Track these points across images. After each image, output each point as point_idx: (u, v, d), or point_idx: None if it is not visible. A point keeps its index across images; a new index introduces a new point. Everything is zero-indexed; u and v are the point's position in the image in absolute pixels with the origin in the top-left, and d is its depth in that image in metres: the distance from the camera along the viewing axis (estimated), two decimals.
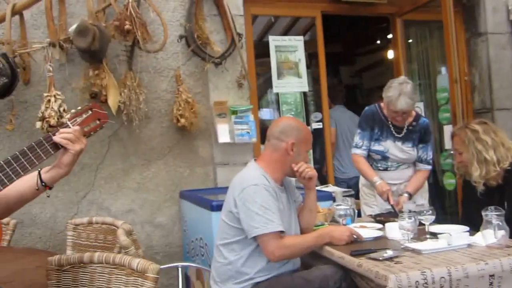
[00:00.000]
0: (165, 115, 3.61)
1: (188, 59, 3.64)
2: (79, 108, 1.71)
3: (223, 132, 3.56)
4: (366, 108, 3.24)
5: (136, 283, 1.56)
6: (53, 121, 2.95)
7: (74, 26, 3.08)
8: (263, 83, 5.21)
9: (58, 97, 3.02)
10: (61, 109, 3.01)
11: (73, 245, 2.69)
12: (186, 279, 3.26)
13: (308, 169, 2.28)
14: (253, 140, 3.64)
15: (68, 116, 1.68)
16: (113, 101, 3.23)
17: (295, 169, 2.26)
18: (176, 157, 3.66)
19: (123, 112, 3.30)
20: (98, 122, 1.71)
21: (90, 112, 1.69)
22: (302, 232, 2.36)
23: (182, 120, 3.43)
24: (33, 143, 1.55)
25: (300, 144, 2.27)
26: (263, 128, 3.90)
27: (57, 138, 1.57)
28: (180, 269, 2.46)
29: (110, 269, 1.63)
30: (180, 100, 3.45)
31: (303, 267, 2.30)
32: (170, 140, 3.64)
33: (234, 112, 3.61)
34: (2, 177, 1.47)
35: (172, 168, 3.66)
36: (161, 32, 3.41)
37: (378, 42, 6.98)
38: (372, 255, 1.99)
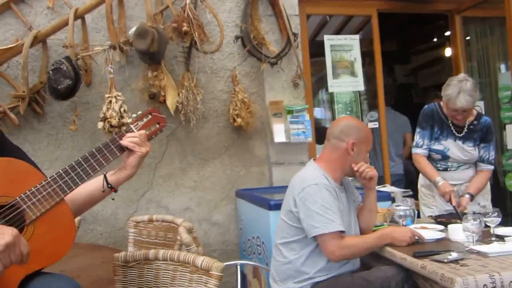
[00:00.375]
0: (222, 115, 3.64)
1: (244, 60, 3.67)
2: (140, 112, 1.76)
3: (279, 132, 3.56)
4: (425, 106, 3.16)
5: (200, 280, 1.58)
6: (114, 121, 3.03)
7: (133, 29, 3.17)
8: (315, 83, 5.17)
9: (118, 98, 3.10)
10: (122, 109, 3.08)
11: (135, 242, 2.75)
12: (242, 277, 3.28)
13: (369, 169, 2.24)
14: (308, 140, 3.62)
15: (130, 120, 1.74)
16: (171, 101, 3.30)
17: (355, 169, 2.23)
18: (232, 156, 3.69)
19: (181, 112, 3.36)
20: (157, 126, 1.77)
21: (150, 116, 1.75)
22: (361, 232, 2.32)
23: (239, 120, 3.46)
24: (100, 146, 1.61)
25: (361, 144, 2.24)
26: (315, 128, 3.88)
27: (124, 142, 1.63)
28: (238, 267, 2.47)
29: (174, 266, 1.65)
30: (236, 100, 3.48)
31: (362, 268, 2.27)
32: (226, 140, 3.68)
33: (290, 112, 3.60)
34: (74, 177, 1.53)
35: (228, 167, 3.69)
36: (217, 33, 3.45)
37: (435, 39, 6.76)
38: (436, 257, 1.93)
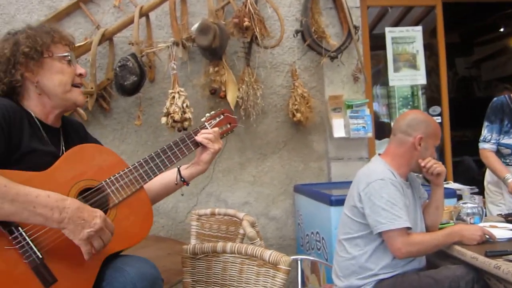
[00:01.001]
0: (281, 110, 3.65)
1: (303, 54, 3.65)
2: (213, 112, 1.84)
3: (338, 127, 3.53)
4: (494, 99, 3.03)
5: (268, 274, 1.59)
6: (177, 117, 3.09)
7: (196, 25, 3.22)
8: (372, 77, 5.06)
9: (181, 93, 3.16)
10: (184, 105, 3.15)
11: (197, 235, 2.81)
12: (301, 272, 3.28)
13: (436, 164, 2.18)
14: (369, 135, 3.57)
15: (204, 118, 1.81)
16: (231, 96, 3.33)
17: (423, 164, 2.17)
18: (290, 151, 3.69)
19: (241, 107, 3.40)
20: (229, 126, 1.85)
21: (222, 116, 1.83)
22: (427, 230, 2.26)
23: (298, 115, 3.45)
24: (177, 139, 1.70)
25: (428, 139, 2.18)
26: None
27: (199, 137, 1.71)
28: (299, 261, 2.47)
29: (242, 259, 1.68)
30: (296, 95, 3.47)
31: (428, 266, 2.21)
32: (285, 135, 3.68)
33: (350, 107, 3.55)
34: (153, 167, 1.62)
35: (287, 162, 3.70)
36: (277, 28, 3.46)
37: (502, 29, 6.47)
38: (511, 257, 1.86)
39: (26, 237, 1.28)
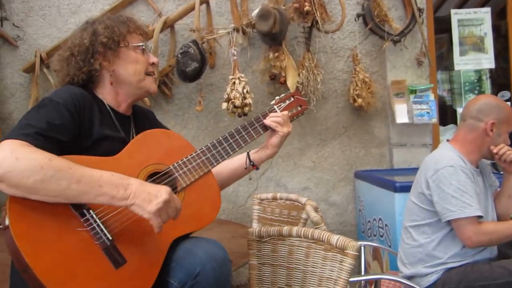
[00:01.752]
0: (341, 95, 3.60)
1: (365, 38, 3.57)
2: (283, 94, 1.83)
3: (401, 112, 3.44)
4: None
5: (335, 258, 1.58)
6: (237, 102, 3.11)
7: (256, 11, 3.21)
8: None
9: (242, 79, 3.18)
10: (245, 90, 3.16)
11: (259, 219, 2.83)
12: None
13: (510, 151, 2.08)
14: (433, 121, 3.46)
15: (274, 101, 1.81)
16: (291, 82, 3.31)
17: (495, 151, 2.08)
18: (351, 137, 3.64)
19: (301, 92, 3.37)
20: (299, 108, 1.83)
21: (292, 98, 1.82)
22: (498, 219, 2.18)
23: (359, 100, 3.39)
24: (245, 123, 1.70)
25: (501, 125, 2.08)
26: None
27: (267, 121, 1.71)
28: (362, 248, 2.45)
29: (308, 243, 1.67)
30: (357, 80, 3.41)
31: (500, 257, 2.13)
32: (345, 120, 3.63)
33: (413, 92, 3.45)
34: (221, 151, 1.63)
35: (347, 148, 3.65)
36: (338, 12, 3.40)
37: None
38: None
39: (97, 219, 1.32)
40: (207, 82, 3.53)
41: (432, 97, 3.45)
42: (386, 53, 3.56)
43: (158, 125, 1.78)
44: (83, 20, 3.31)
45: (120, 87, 1.59)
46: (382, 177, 3.08)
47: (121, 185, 1.29)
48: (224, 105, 3.19)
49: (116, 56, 1.57)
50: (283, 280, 1.74)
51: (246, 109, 3.15)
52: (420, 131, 3.57)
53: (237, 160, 1.77)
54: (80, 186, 1.26)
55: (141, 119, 1.70)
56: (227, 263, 1.43)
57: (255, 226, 2.78)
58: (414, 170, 3.05)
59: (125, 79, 1.58)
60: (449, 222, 2.00)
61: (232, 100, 3.14)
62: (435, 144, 3.60)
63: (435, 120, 3.46)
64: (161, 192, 1.31)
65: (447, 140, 2.21)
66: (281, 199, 2.75)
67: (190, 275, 1.35)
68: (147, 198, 1.29)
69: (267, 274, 1.78)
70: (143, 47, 1.61)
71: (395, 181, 2.81)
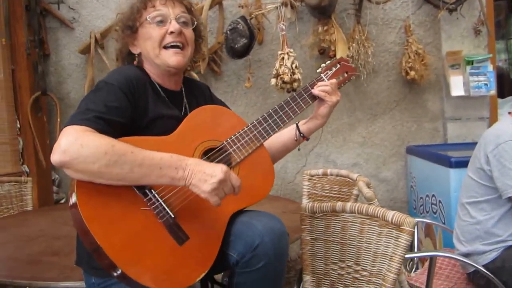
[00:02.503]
0: (393, 68, 3.51)
1: (418, 8, 3.45)
2: (329, 61, 1.77)
3: (457, 85, 3.32)
4: None
5: (390, 235, 1.56)
6: (286, 78, 3.09)
7: None
8: None
9: (290, 54, 3.14)
10: (293, 65, 3.13)
11: (309, 195, 2.82)
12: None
13: None
14: (491, 93, 3.32)
15: (320, 69, 1.75)
16: (341, 55, 3.24)
17: None
18: (403, 111, 3.56)
19: (348, 60, 3.30)
20: (346, 75, 1.78)
21: (338, 65, 1.76)
22: None
23: (412, 73, 3.29)
24: (294, 94, 1.68)
25: None
26: None
27: (315, 91, 1.67)
28: (417, 225, 2.40)
29: (362, 219, 1.65)
30: (410, 52, 3.31)
31: None
32: (397, 94, 3.54)
33: (470, 63, 3.31)
34: (272, 123, 1.61)
35: (399, 123, 3.57)
36: None
37: None
38: None
39: (159, 198, 1.34)
40: (255, 58, 3.52)
41: (490, 68, 3.31)
42: (441, 23, 3.43)
43: (214, 99, 1.76)
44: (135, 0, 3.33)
45: (152, 66, 1.57)
46: (436, 152, 3.00)
47: (180, 167, 1.31)
48: (273, 81, 3.17)
49: (137, 38, 1.57)
50: (336, 256, 1.73)
51: (295, 84, 3.12)
52: (476, 104, 3.44)
53: (287, 133, 1.75)
54: (142, 169, 1.29)
55: (194, 94, 1.69)
56: (285, 236, 1.44)
57: (305, 202, 2.78)
58: (469, 145, 2.96)
59: (147, 57, 1.56)
60: (510, 199, 1.92)
61: (281, 76, 3.11)
62: (492, 117, 3.46)
63: (493, 92, 3.32)
64: (216, 171, 1.31)
65: (509, 113, 2.11)
66: (331, 175, 2.73)
67: (249, 247, 1.36)
68: (203, 178, 1.31)
69: (320, 250, 1.77)
70: (159, 18, 1.52)
71: (450, 156, 2.73)
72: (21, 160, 3.41)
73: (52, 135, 3.58)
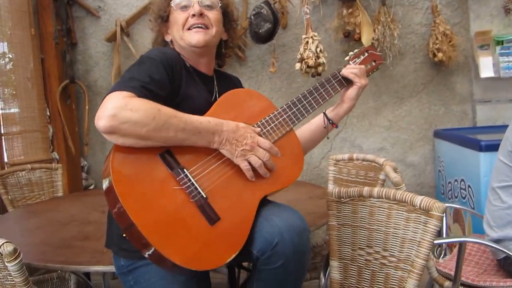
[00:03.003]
0: (419, 50, 3.44)
1: None
2: (356, 50, 1.79)
3: (486, 66, 3.24)
4: None
5: (419, 220, 1.55)
6: (311, 62, 3.07)
7: None
8: None
9: (315, 38, 3.11)
10: (318, 49, 3.10)
11: (334, 180, 2.82)
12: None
13: None
14: None
15: (348, 57, 1.77)
16: (366, 38, 3.20)
17: None
18: (430, 94, 3.50)
19: (376, 49, 3.25)
20: (373, 63, 1.80)
21: (366, 53, 1.79)
22: None
23: (439, 55, 3.23)
24: (323, 80, 1.69)
25: None
26: None
27: (345, 71, 1.68)
28: (446, 210, 2.37)
29: (389, 204, 1.64)
30: (437, 33, 3.24)
31: None
32: (424, 77, 3.48)
33: (500, 43, 3.22)
34: (301, 108, 1.63)
35: (426, 106, 3.51)
36: None
37: None
38: None
39: (191, 178, 1.36)
40: (279, 43, 3.50)
41: None
42: (469, 2, 3.34)
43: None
44: None
45: (181, 50, 1.62)
46: (465, 136, 2.94)
47: (216, 132, 1.38)
48: (298, 65, 3.15)
49: (168, 26, 1.65)
50: (364, 241, 1.73)
51: (320, 68, 3.10)
52: (507, 86, 3.35)
53: (315, 121, 1.75)
54: (184, 134, 1.34)
55: (225, 83, 1.72)
56: (305, 233, 1.42)
57: (331, 187, 2.78)
58: (500, 128, 2.90)
59: (176, 42, 1.63)
60: None
61: (306, 60, 3.09)
62: None
63: None
64: (247, 139, 1.40)
65: None
66: (357, 159, 2.72)
67: (269, 245, 1.36)
68: (234, 144, 1.39)
69: (347, 235, 1.77)
70: (183, 3, 1.59)
71: (480, 139, 2.67)
72: (51, 147, 3.49)
73: (81, 123, 3.65)
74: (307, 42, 3.12)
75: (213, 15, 1.61)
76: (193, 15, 1.57)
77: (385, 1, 3.27)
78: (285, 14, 3.44)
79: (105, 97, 1.31)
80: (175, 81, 1.47)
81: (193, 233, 1.32)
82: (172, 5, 1.60)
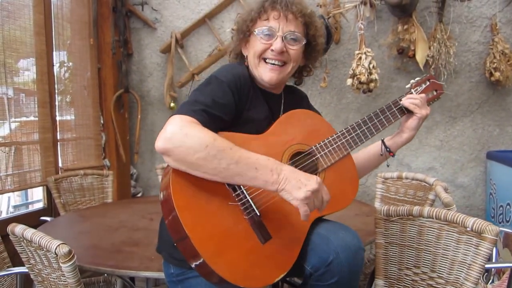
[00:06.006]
0: (475, 69, 3.35)
1: (506, 5, 3.26)
2: (418, 78, 1.77)
3: None
4: None
5: (470, 242, 1.50)
6: (363, 78, 3.04)
7: None
8: None
9: (368, 54, 3.09)
10: (371, 66, 3.07)
11: (382, 198, 2.77)
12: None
13: None
14: None
15: (409, 85, 1.75)
16: (421, 55, 3.16)
17: None
18: (485, 114, 3.39)
19: (431, 66, 3.20)
20: (435, 93, 1.77)
21: (428, 82, 1.75)
22: None
23: (496, 74, 3.13)
24: (383, 107, 1.68)
25: None
26: None
27: (405, 101, 1.66)
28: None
29: (440, 224, 1.60)
30: (495, 52, 3.15)
31: None
32: (479, 96, 3.38)
33: None
34: (360, 133, 1.62)
35: (480, 126, 3.40)
36: None
37: None
38: None
39: (247, 195, 1.37)
40: (331, 58, 3.49)
41: None
42: None
43: (311, 108, 1.76)
44: (215, 1, 3.43)
45: (252, 71, 1.59)
46: None
47: (275, 170, 1.31)
48: (349, 81, 3.13)
49: (247, 42, 1.59)
50: (411, 261, 1.70)
51: (372, 85, 3.07)
52: None
53: (373, 148, 1.74)
54: (238, 167, 1.30)
55: (293, 100, 1.69)
56: (360, 253, 1.40)
57: (378, 205, 2.73)
58: None
59: (250, 63, 1.58)
60: None
61: (358, 76, 3.07)
62: None
63: None
64: (312, 181, 1.31)
65: None
66: (407, 178, 2.67)
67: (324, 262, 1.35)
68: (297, 185, 1.30)
69: (394, 254, 1.74)
70: (266, 32, 1.51)
71: None
72: (103, 154, 3.60)
73: (132, 132, 3.75)
74: (360, 58, 3.10)
75: (294, 51, 1.54)
76: (272, 50, 1.52)
77: (442, 18, 3.21)
78: (339, 29, 3.44)
79: (169, 118, 1.33)
80: (241, 102, 1.47)
81: (244, 249, 1.33)
82: (255, 30, 1.54)
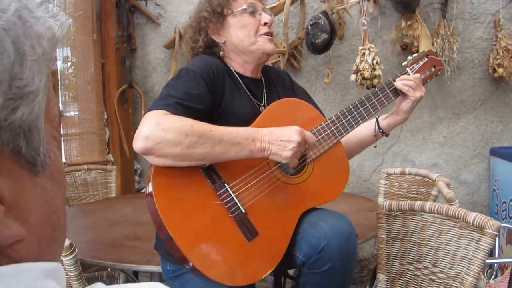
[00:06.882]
0: (479, 65, 3.34)
1: (509, 1, 3.23)
2: (415, 54, 1.72)
3: None
4: None
5: (471, 237, 1.50)
6: (367, 74, 3.04)
7: None
8: None
9: (372, 50, 3.08)
10: (374, 61, 3.06)
11: (385, 193, 2.77)
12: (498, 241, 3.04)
13: None
14: None
15: (406, 62, 1.70)
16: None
17: None
18: (488, 110, 3.38)
19: (437, 54, 3.19)
20: (433, 69, 1.71)
21: (426, 59, 1.69)
22: None
23: (499, 70, 3.12)
24: (376, 89, 1.64)
25: None
26: None
27: (398, 83, 1.61)
28: (501, 229, 2.29)
29: (441, 219, 1.61)
30: (498, 48, 3.13)
31: None
32: (482, 93, 3.37)
33: None
34: (351, 119, 1.58)
35: (483, 123, 3.40)
36: None
37: None
38: None
39: (232, 193, 1.35)
40: (335, 53, 3.49)
41: None
42: None
43: (295, 86, 1.74)
44: None
45: (238, 55, 1.56)
46: None
47: (256, 138, 1.32)
48: (353, 77, 3.12)
49: (223, 27, 1.54)
50: (413, 256, 1.70)
51: (375, 81, 3.07)
52: None
53: (366, 127, 1.70)
54: (222, 146, 1.29)
55: (273, 82, 1.67)
56: (353, 238, 1.40)
57: (381, 201, 2.73)
58: None
59: (238, 46, 1.54)
60: None
61: (361, 72, 3.07)
62: None
63: None
64: (292, 136, 1.33)
65: None
66: (410, 174, 2.67)
67: (315, 249, 1.35)
68: (281, 146, 1.32)
69: (396, 249, 1.75)
70: (250, 9, 1.52)
71: None
72: (107, 149, 3.62)
73: (136, 127, 3.73)
74: (364, 54, 3.09)
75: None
76: (265, 23, 1.54)
77: (446, 14, 3.20)
78: (342, 25, 3.44)
79: (143, 117, 1.32)
80: (216, 91, 1.44)
81: (230, 248, 1.31)
82: (237, 9, 1.53)
